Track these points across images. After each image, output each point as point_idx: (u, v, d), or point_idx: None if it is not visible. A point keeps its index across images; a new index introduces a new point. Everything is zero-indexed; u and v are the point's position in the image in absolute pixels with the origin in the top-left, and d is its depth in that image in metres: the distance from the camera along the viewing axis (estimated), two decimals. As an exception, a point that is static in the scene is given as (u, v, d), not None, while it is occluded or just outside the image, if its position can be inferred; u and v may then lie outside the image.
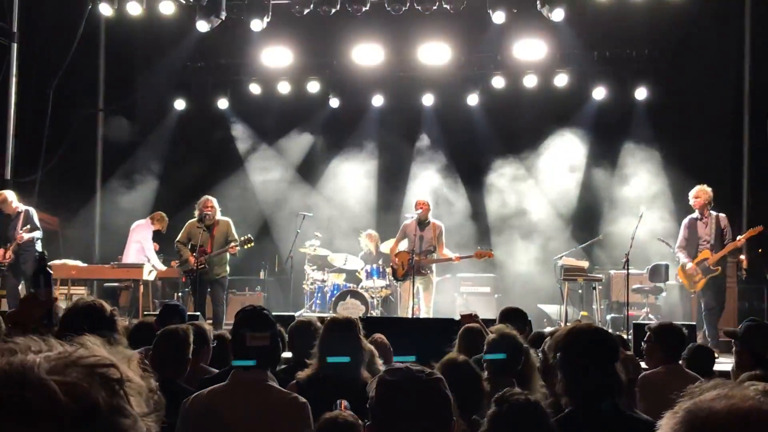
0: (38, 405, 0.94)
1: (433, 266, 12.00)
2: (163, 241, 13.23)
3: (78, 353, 1.03)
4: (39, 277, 3.69)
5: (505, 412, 3.12)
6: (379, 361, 4.88)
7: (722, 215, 10.90)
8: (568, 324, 11.69)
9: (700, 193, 10.81)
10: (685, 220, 11.05)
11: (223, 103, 15.90)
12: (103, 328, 3.68)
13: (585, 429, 3.29)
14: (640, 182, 13.94)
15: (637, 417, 3.41)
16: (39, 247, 11.62)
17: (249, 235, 11.56)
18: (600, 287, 12.71)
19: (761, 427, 1.21)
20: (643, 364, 5.64)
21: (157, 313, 6.95)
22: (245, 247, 11.47)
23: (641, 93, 14.58)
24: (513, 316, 6.29)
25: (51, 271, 3.72)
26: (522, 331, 6.25)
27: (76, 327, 3.74)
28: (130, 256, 12.90)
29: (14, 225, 11.50)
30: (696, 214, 10.89)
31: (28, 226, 11.49)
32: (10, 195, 11.64)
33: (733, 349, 5.36)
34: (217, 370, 5.35)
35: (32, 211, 11.74)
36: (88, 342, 1.10)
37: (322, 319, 5.10)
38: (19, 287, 11.53)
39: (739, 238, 10.83)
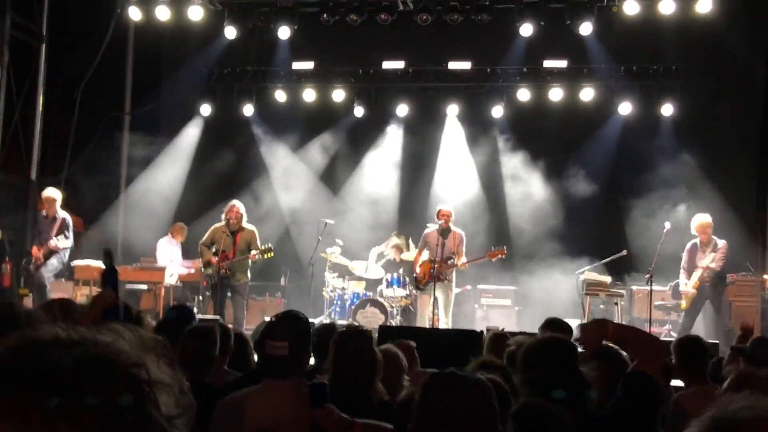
0: (62, 412, 0.90)
1: (453, 275, 11.98)
2: (185, 245, 13.28)
3: (106, 349, 0.99)
4: (109, 274, 3.69)
5: (527, 423, 3.08)
6: (405, 375, 4.81)
7: (721, 242, 11.42)
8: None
9: (707, 228, 11.35)
10: (688, 245, 11.58)
11: (248, 110, 15.94)
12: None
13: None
14: (665, 198, 13.84)
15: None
16: (66, 256, 11.76)
17: (269, 245, 11.57)
18: (622, 303, 12.62)
19: None
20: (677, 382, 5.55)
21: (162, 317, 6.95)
22: (265, 257, 11.48)
23: (668, 109, 14.49)
24: (555, 326, 6.25)
25: (117, 269, 3.77)
26: None
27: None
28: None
29: (50, 228, 11.58)
30: (697, 242, 11.43)
31: (63, 235, 11.59)
32: (59, 198, 11.75)
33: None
34: (232, 371, 5.37)
35: (69, 219, 11.82)
36: (119, 331, 1.06)
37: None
38: (47, 288, 11.58)
39: (707, 263, 11.31)
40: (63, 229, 11.61)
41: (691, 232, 11.40)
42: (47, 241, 11.50)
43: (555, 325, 6.35)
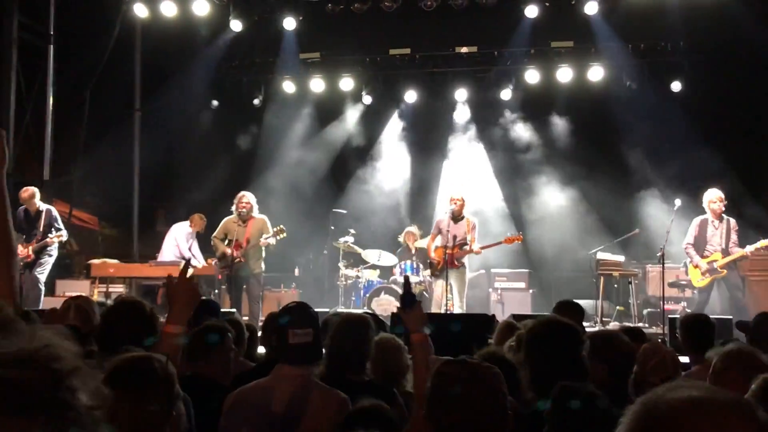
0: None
1: (466, 260, 11.98)
2: (201, 238, 13.34)
3: (30, 347, 1.06)
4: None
5: (566, 404, 3.08)
6: (407, 357, 4.85)
7: (733, 220, 11.09)
8: (606, 320, 11.68)
9: (719, 200, 10.96)
10: (697, 220, 11.15)
11: (257, 101, 16.00)
12: (143, 327, 3.71)
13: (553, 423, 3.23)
14: (675, 176, 13.79)
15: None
16: (56, 250, 11.66)
17: (281, 226, 11.62)
18: (636, 282, 12.60)
19: (716, 414, 1.23)
20: (684, 359, 5.54)
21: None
22: (278, 237, 11.51)
23: (676, 86, 14.43)
24: (567, 309, 6.26)
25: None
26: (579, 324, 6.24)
27: (117, 325, 3.81)
28: (165, 254, 13.04)
29: (36, 224, 11.48)
30: (708, 216, 11.04)
31: (55, 227, 11.51)
32: (37, 192, 11.65)
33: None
34: (248, 361, 5.43)
35: (54, 211, 11.76)
36: (43, 334, 1.12)
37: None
38: (40, 285, 11.52)
39: (749, 250, 10.87)
40: (52, 221, 11.52)
41: (705, 207, 11.12)
42: (35, 237, 11.39)
43: (567, 307, 6.35)
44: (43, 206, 11.57)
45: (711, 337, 5.40)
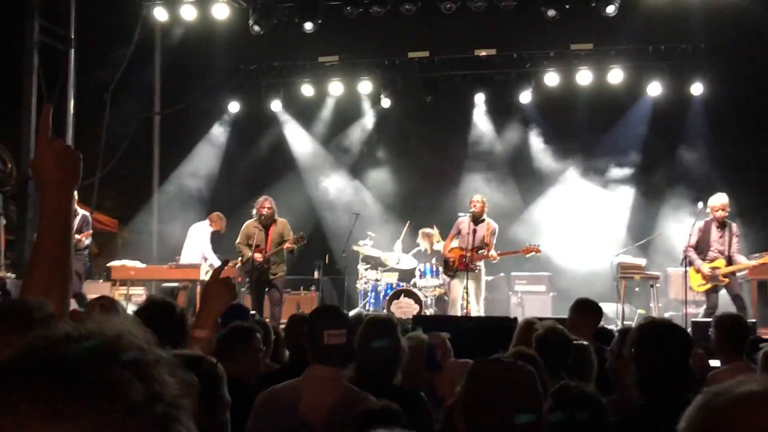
0: (83, 400, 0.96)
1: (482, 263, 11.96)
2: (221, 242, 13.36)
3: (113, 338, 1.04)
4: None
5: (564, 405, 3.09)
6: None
7: (734, 225, 11.05)
8: (627, 323, 11.60)
9: (725, 206, 10.87)
10: (701, 223, 11.04)
11: (276, 105, 16.04)
12: (173, 328, 3.71)
13: (654, 423, 3.26)
14: (697, 178, 13.71)
15: None
16: (87, 255, 11.86)
17: (301, 233, 11.64)
18: (657, 285, 12.53)
19: None
20: (713, 362, 5.51)
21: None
22: (297, 245, 11.53)
23: (697, 88, 14.34)
24: (585, 307, 6.23)
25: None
26: (596, 323, 6.22)
27: (147, 325, 3.80)
28: (187, 256, 13.07)
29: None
30: (712, 220, 10.94)
31: (89, 231, 11.69)
32: (74, 195, 11.77)
33: None
34: (273, 363, 5.43)
35: (89, 217, 11.92)
36: (123, 322, 1.12)
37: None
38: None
39: (754, 263, 10.90)
40: (83, 225, 11.68)
41: (712, 211, 10.98)
42: None
43: (586, 306, 6.33)
44: (80, 211, 11.75)
45: (747, 338, 5.36)
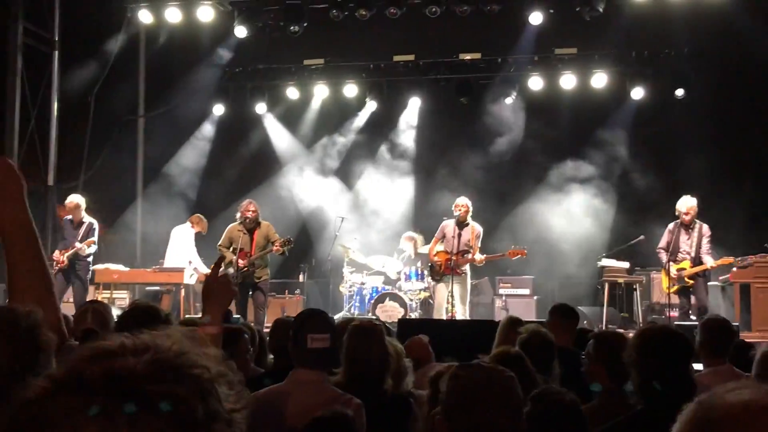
0: (141, 416, 0.96)
1: (468, 267, 11.98)
2: (204, 244, 13.34)
3: (171, 353, 1.05)
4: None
5: (542, 410, 3.12)
6: (406, 361, 4.83)
7: (705, 226, 11.17)
8: (611, 326, 11.67)
9: (690, 210, 11.05)
10: (671, 226, 11.27)
11: (261, 108, 16.01)
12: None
13: (653, 429, 3.29)
14: (679, 182, 13.80)
15: None
16: (91, 262, 11.90)
17: (289, 237, 11.64)
18: (641, 288, 12.59)
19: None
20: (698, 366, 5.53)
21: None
22: (284, 248, 11.53)
23: (681, 92, 14.44)
24: (563, 312, 6.26)
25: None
26: (573, 327, 6.25)
27: (132, 330, 3.79)
28: (170, 259, 13.04)
29: (76, 234, 11.70)
30: (680, 223, 11.14)
31: (92, 239, 11.71)
32: (82, 203, 11.85)
33: None
34: (258, 368, 5.42)
35: (96, 225, 11.94)
36: (175, 335, 1.11)
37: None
38: (66, 293, 11.71)
39: (713, 264, 11.03)
40: (89, 233, 11.72)
41: (680, 212, 11.13)
42: (72, 246, 11.61)
43: (563, 311, 6.35)
44: (87, 218, 11.81)
45: (731, 342, 5.38)
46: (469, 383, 2.52)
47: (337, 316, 11.55)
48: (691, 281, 10.96)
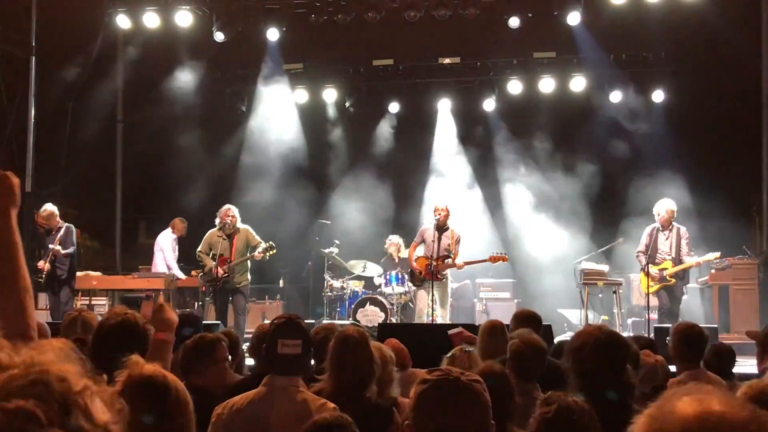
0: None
1: (449, 272, 11.98)
2: (183, 250, 13.29)
3: (38, 370, 1.05)
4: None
5: (554, 413, 3.11)
6: (394, 368, 4.83)
7: (683, 228, 11.32)
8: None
9: (666, 212, 11.16)
10: (648, 229, 11.37)
11: (240, 112, 15.96)
12: (138, 343, 3.67)
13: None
14: (658, 185, 13.87)
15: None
16: (73, 264, 11.86)
17: (271, 242, 11.60)
18: (620, 291, 12.65)
19: None
20: (673, 368, 5.56)
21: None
22: (267, 254, 11.50)
23: (658, 95, 14.55)
24: (526, 319, 6.27)
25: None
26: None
27: (110, 341, 3.76)
28: (157, 266, 13.04)
29: (53, 240, 11.69)
30: (658, 225, 11.23)
31: (65, 242, 11.68)
32: (56, 210, 11.84)
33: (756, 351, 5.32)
34: (237, 375, 5.41)
35: (72, 228, 11.90)
36: (46, 350, 1.11)
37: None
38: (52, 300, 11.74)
39: (699, 260, 11.21)
40: (66, 236, 11.72)
41: (656, 215, 11.23)
42: (51, 252, 11.61)
43: (526, 318, 6.36)
44: (64, 224, 11.86)
45: (704, 347, 5.41)
46: (433, 388, 2.52)
47: (317, 322, 11.53)
48: (673, 280, 11.04)
